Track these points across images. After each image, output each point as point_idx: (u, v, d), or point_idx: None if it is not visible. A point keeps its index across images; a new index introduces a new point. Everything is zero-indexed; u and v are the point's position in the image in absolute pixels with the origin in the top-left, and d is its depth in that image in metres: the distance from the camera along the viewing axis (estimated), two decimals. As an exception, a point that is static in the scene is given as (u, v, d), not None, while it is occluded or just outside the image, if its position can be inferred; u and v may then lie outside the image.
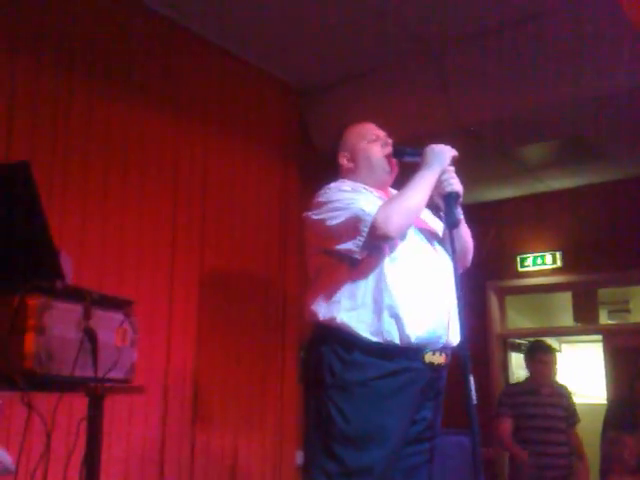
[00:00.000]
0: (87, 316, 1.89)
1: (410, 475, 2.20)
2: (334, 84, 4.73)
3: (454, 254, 2.13)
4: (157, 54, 3.83)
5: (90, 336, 1.88)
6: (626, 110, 4.21)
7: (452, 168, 2.27)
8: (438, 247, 2.34)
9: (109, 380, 1.95)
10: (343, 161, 2.47)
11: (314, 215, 2.27)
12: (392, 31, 4.09)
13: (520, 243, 6.24)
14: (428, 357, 2.18)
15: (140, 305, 3.29)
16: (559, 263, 6.08)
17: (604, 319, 6.71)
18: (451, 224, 2.20)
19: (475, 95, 4.28)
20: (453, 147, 2.32)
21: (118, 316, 2.10)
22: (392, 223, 2.13)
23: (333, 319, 2.16)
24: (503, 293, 6.54)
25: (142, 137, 3.69)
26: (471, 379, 1.96)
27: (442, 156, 2.26)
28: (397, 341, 2.11)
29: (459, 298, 2.09)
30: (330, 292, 2.21)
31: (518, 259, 6.25)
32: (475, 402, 1.94)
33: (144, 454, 3.43)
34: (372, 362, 2.11)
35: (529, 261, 6.22)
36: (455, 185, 2.24)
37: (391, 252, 2.20)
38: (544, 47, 3.96)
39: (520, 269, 6.27)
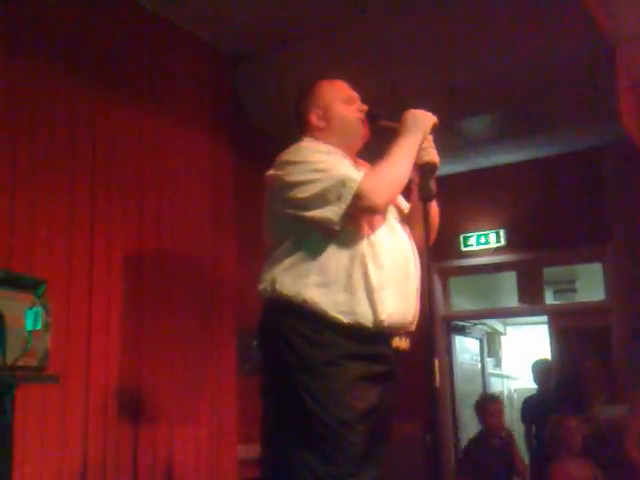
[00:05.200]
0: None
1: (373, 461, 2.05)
2: (269, 51, 4.54)
3: (427, 229, 2.03)
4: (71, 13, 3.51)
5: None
6: (566, 83, 4.19)
7: (431, 137, 2.12)
8: (404, 226, 2.22)
9: (20, 368, 1.82)
10: (313, 118, 2.25)
11: (286, 176, 2.05)
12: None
13: (462, 221, 6.10)
14: (395, 342, 2.08)
15: (55, 286, 3.03)
16: (503, 242, 5.98)
17: (550, 299, 6.70)
18: (426, 196, 2.07)
19: (414, 64, 4.22)
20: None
21: (28, 297, 1.98)
22: (381, 194, 2.00)
23: (298, 294, 1.98)
24: (446, 274, 6.42)
25: (52, 104, 3.37)
26: (436, 362, 1.91)
27: (423, 122, 2.11)
28: (370, 324, 1.98)
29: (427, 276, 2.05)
30: (296, 264, 2.03)
31: (461, 238, 6.13)
32: (437, 386, 1.90)
33: (63, 452, 3.13)
34: (342, 342, 1.97)
35: (472, 240, 6.11)
36: (433, 155, 2.09)
37: (369, 227, 2.05)
38: (484, 16, 3.92)
39: (463, 249, 6.14)
